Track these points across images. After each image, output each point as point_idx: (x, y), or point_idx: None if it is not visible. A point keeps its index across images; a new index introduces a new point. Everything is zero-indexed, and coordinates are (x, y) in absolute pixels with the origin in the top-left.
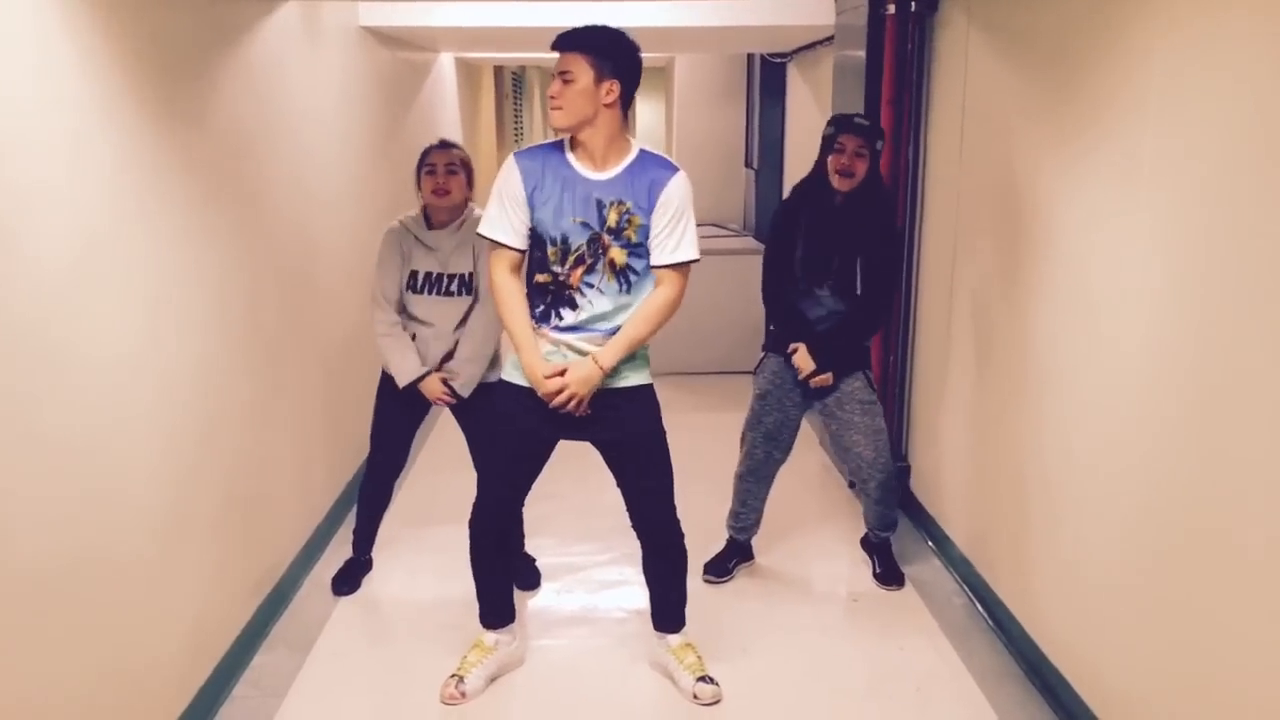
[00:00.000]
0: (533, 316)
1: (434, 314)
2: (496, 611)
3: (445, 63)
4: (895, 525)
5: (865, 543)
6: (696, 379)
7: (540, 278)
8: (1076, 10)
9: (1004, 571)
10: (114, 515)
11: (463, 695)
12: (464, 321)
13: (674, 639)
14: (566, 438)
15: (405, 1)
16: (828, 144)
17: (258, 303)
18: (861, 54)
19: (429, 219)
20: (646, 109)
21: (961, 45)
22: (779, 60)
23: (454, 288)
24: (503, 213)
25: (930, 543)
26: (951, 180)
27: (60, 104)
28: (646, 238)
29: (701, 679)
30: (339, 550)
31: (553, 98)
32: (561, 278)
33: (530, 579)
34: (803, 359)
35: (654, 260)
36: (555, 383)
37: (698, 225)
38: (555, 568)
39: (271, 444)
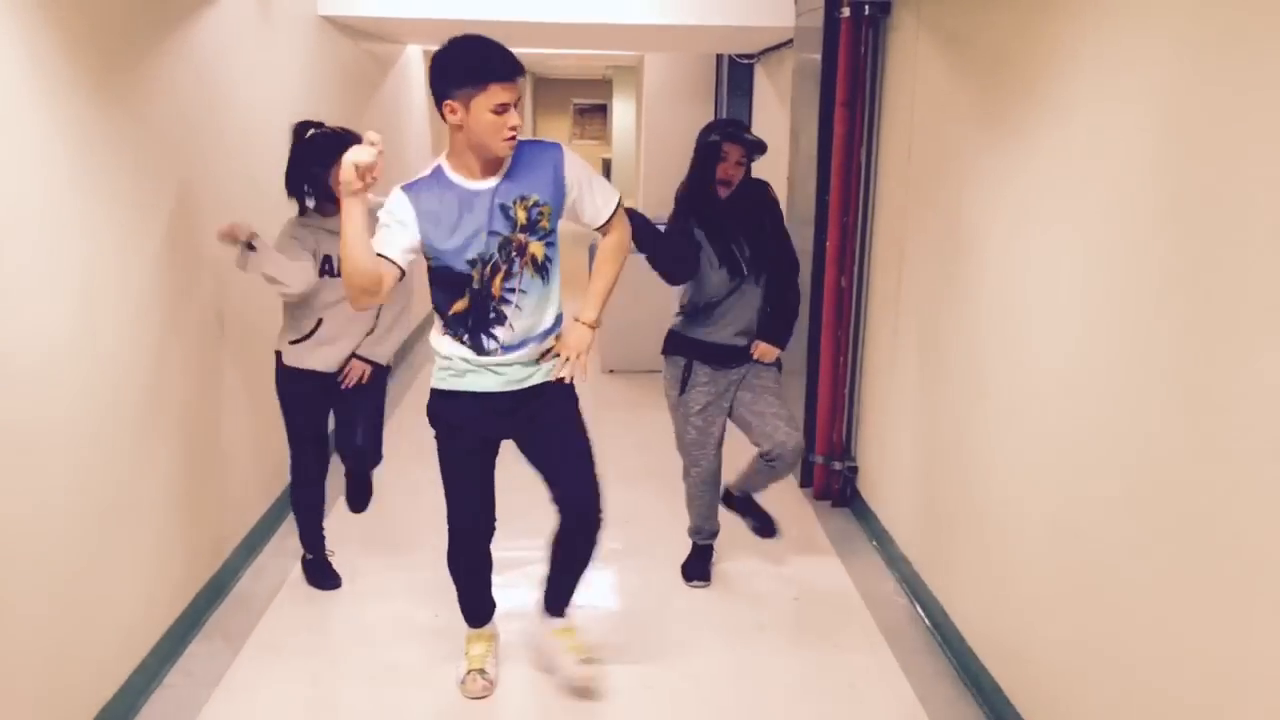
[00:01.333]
0: (460, 341)
1: (335, 298)
2: (485, 610)
3: (413, 55)
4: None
5: (737, 501)
6: (649, 376)
7: (457, 306)
8: (1012, 17)
9: (940, 572)
10: (44, 499)
11: (491, 684)
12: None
13: (560, 621)
14: (506, 435)
15: None
16: (713, 150)
17: (195, 290)
18: (819, 57)
19: (323, 210)
20: (622, 108)
21: (911, 49)
22: (746, 61)
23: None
24: (388, 234)
25: (874, 542)
26: (900, 184)
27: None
28: (557, 221)
29: (585, 661)
30: (283, 541)
31: (515, 127)
32: (482, 294)
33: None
34: (767, 351)
35: (596, 222)
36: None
37: (663, 222)
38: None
39: (215, 431)
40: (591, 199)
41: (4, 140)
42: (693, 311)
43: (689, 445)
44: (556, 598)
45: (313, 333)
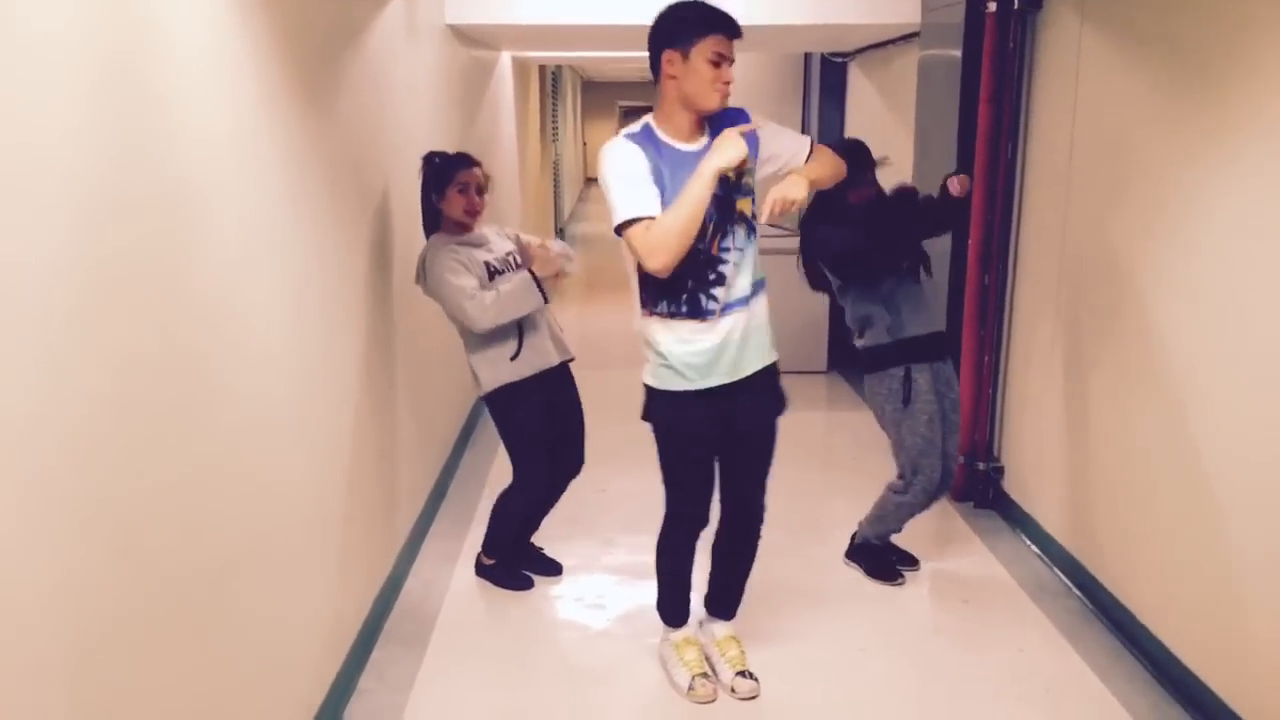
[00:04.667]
0: (674, 314)
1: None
2: (685, 610)
3: (505, 61)
4: None
5: (859, 552)
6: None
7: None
8: (1217, 13)
9: (1119, 571)
10: (274, 509)
11: (716, 687)
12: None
13: (721, 628)
14: (726, 432)
15: None
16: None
17: (373, 293)
18: (954, 52)
19: (447, 230)
20: None
21: (1073, 44)
22: (839, 60)
23: (514, 262)
24: (642, 188)
25: (1029, 541)
26: (1058, 182)
27: (232, 92)
28: (754, 176)
29: (741, 674)
30: (437, 543)
31: (729, 82)
32: (703, 254)
33: (550, 567)
34: (962, 182)
35: (799, 159)
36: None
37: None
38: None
39: (382, 433)
40: (786, 142)
41: (250, 157)
42: (881, 316)
43: (917, 456)
44: (724, 601)
45: (521, 339)
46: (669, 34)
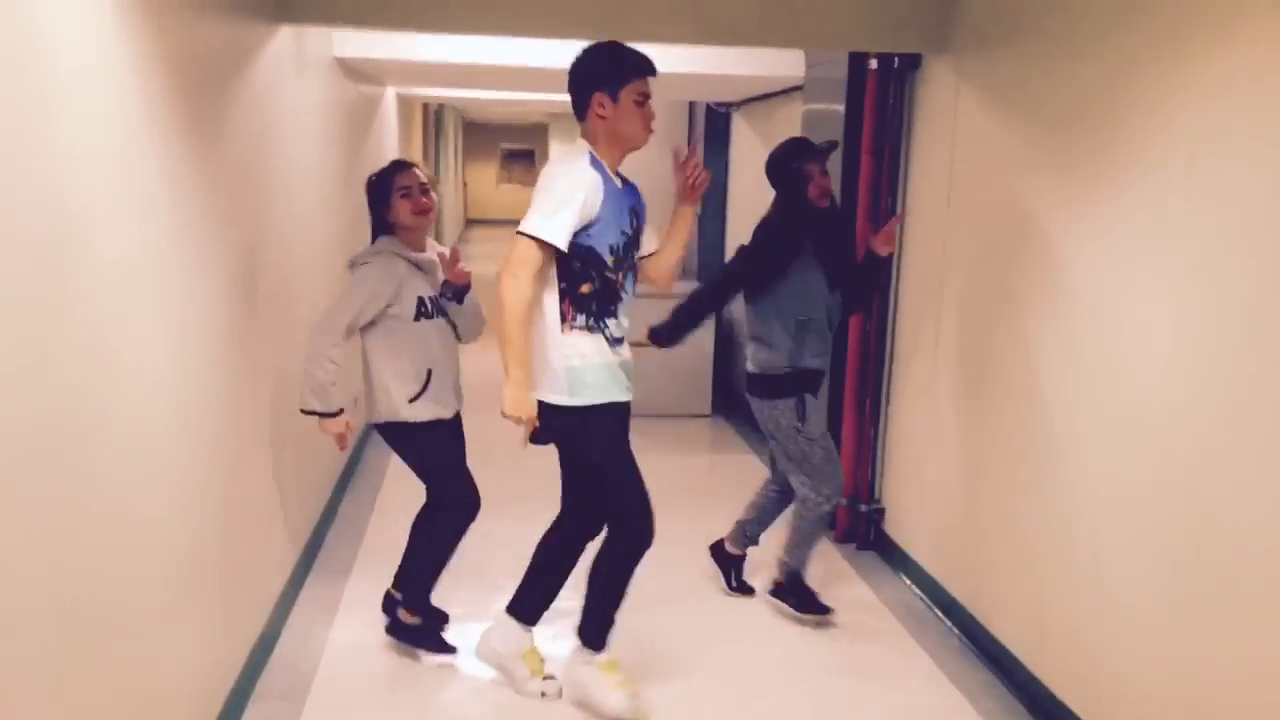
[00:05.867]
0: (576, 325)
1: (439, 341)
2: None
3: (390, 97)
4: None
5: (788, 587)
6: (645, 421)
7: (585, 288)
8: (1093, 72)
9: (988, 605)
10: (145, 557)
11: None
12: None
13: (602, 656)
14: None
15: (382, 33)
16: (798, 176)
17: (249, 333)
18: (837, 106)
19: (402, 238)
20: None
21: (950, 101)
22: (723, 109)
23: (436, 310)
24: (565, 215)
25: (909, 581)
26: (937, 227)
27: (116, 111)
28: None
29: (632, 695)
30: (313, 595)
31: (653, 118)
32: (613, 284)
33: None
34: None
35: (650, 249)
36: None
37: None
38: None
39: (256, 487)
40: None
41: (133, 180)
42: (795, 338)
43: (822, 463)
44: (595, 628)
45: (427, 384)
46: (597, 76)
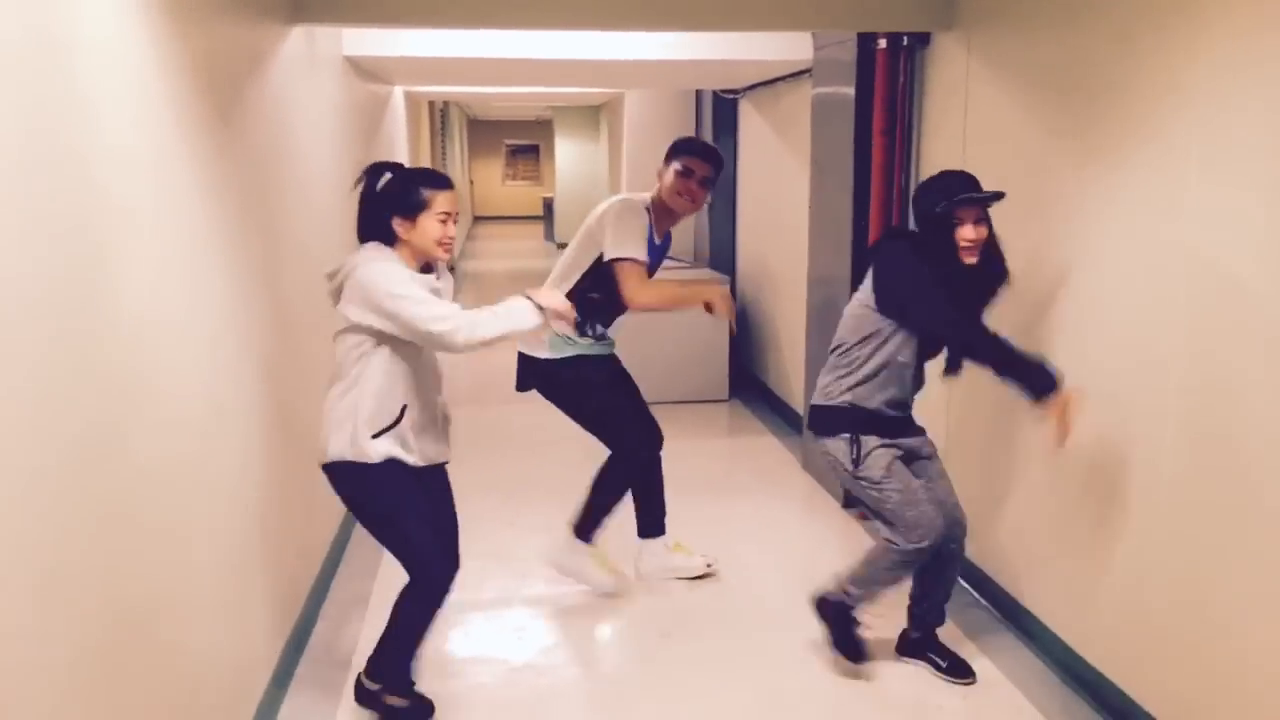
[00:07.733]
0: (578, 324)
1: (429, 368)
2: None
3: (398, 95)
4: None
5: (921, 643)
6: (663, 407)
7: (596, 295)
8: (1098, 40)
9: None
10: (194, 554)
11: None
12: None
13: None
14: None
15: (388, 30)
16: (941, 221)
17: (278, 333)
18: (847, 88)
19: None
20: (564, 147)
21: (961, 77)
22: (730, 96)
23: None
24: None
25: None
26: None
27: (147, 111)
28: None
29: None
30: (346, 585)
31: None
32: (619, 304)
33: None
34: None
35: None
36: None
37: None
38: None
39: (289, 472)
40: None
41: (167, 177)
42: (875, 380)
43: (899, 510)
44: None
45: (397, 421)
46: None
